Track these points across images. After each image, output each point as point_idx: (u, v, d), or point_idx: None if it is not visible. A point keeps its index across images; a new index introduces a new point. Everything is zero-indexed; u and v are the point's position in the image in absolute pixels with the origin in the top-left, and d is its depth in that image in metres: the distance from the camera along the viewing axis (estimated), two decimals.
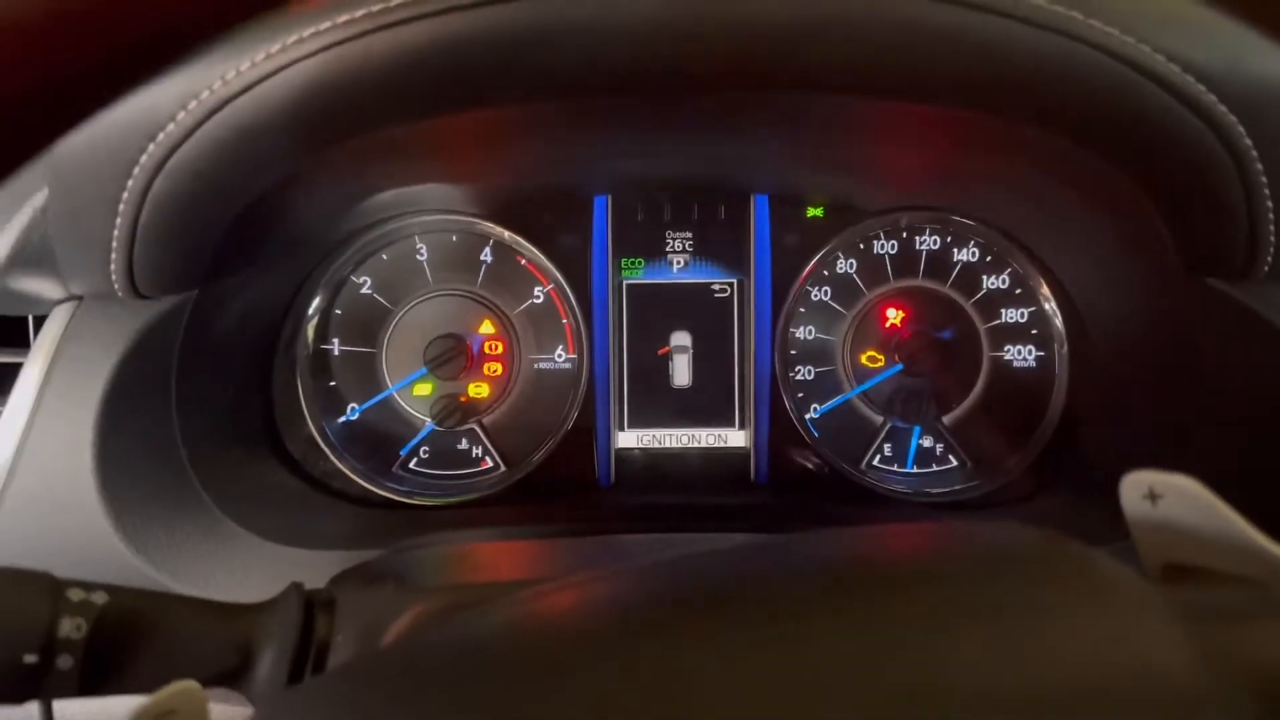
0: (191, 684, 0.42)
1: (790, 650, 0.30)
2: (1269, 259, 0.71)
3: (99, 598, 0.46)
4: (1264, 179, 0.67)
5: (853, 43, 0.63)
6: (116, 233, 0.70)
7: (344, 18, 0.61)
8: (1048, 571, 0.35)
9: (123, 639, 0.46)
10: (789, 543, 0.39)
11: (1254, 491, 0.72)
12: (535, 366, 1.09)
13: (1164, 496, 0.41)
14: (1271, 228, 0.70)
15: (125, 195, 0.68)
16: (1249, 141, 0.66)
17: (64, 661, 0.43)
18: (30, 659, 0.43)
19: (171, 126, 0.65)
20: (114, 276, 0.73)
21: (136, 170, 0.67)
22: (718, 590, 0.36)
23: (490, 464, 1.09)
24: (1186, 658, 0.29)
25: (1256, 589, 0.39)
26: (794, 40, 0.63)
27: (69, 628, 0.44)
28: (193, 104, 0.65)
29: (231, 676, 0.49)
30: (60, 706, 0.70)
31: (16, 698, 0.43)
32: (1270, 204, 0.68)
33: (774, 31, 0.63)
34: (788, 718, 0.28)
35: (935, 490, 1.07)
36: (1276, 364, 0.73)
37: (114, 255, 0.71)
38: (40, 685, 0.43)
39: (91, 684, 0.45)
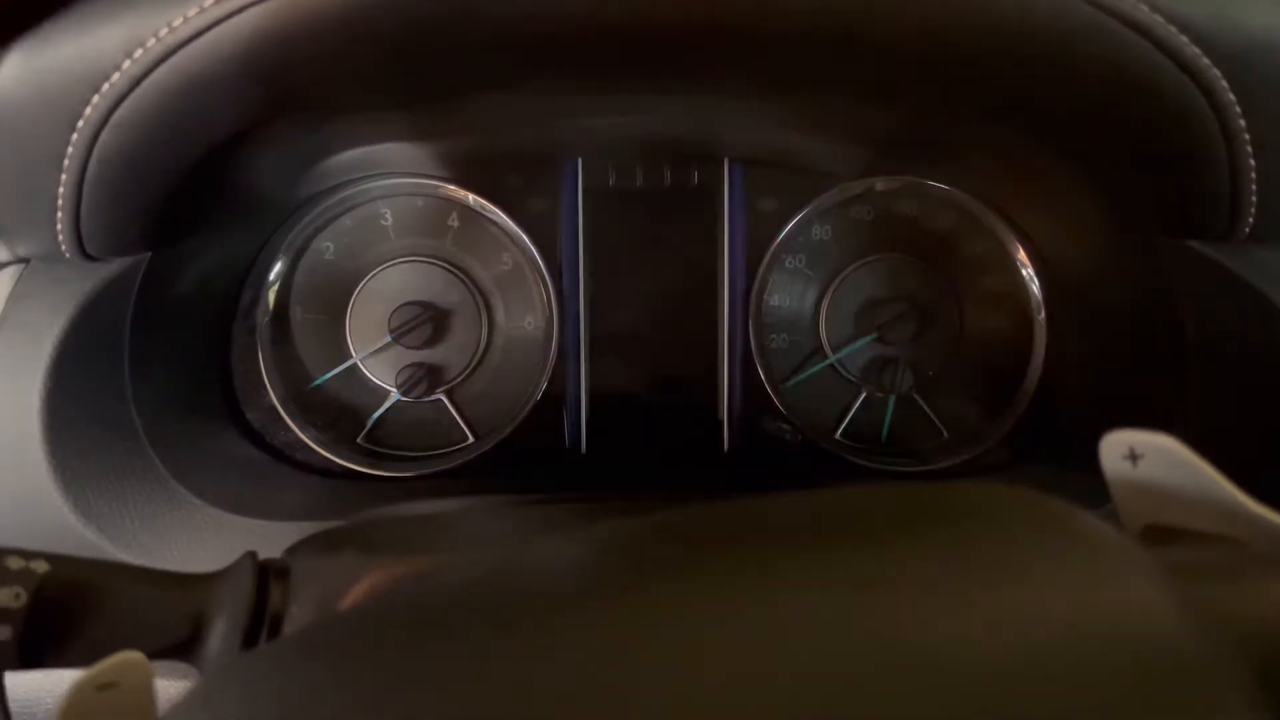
0: (135, 655, 0.41)
1: (764, 610, 0.29)
2: (1250, 219, 0.70)
3: (39, 566, 0.44)
4: (1246, 135, 0.66)
5: None
6: (62, 190, 0.68)
7: None
8: (1030, 529, 0.34)
9: (66, 609, 0.44)
10: (762, 502, 0.38)
11: (1238, 454, 0.72)
12: (504, 334, 1.07)
13: (1144, 456, 0.40)
14: (1253, 186, 0.68)
15: (70, 150, 0.66)
16: (1232, 96, 0.64)
17: (2, 632, 0.42)
18: None
19: (117, 76, 0.63)
20: (61, 237, 0.71)
21: (81, 123, 0.65)
22: (690, 547, 0.35)
23: (458, 435, 1.07)
24: (1176, 616, 0.28)
25: (1238, 548, 0.38)
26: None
27: (7, 596, 0.42)
28: (139, 52, 0.62)
29: (182, 648, 0.47)
30: (12, 680, 0.70)
31: None
32: (1253, 161, 0.67)
33: None
34: (760, 676, 0.27)
35: (910, 460, 1.06)
36: (1258, 326, 0.72)
37: (60, 214, 0.69)
38: None
39: (32, 655, 0.43)
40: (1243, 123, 0.65)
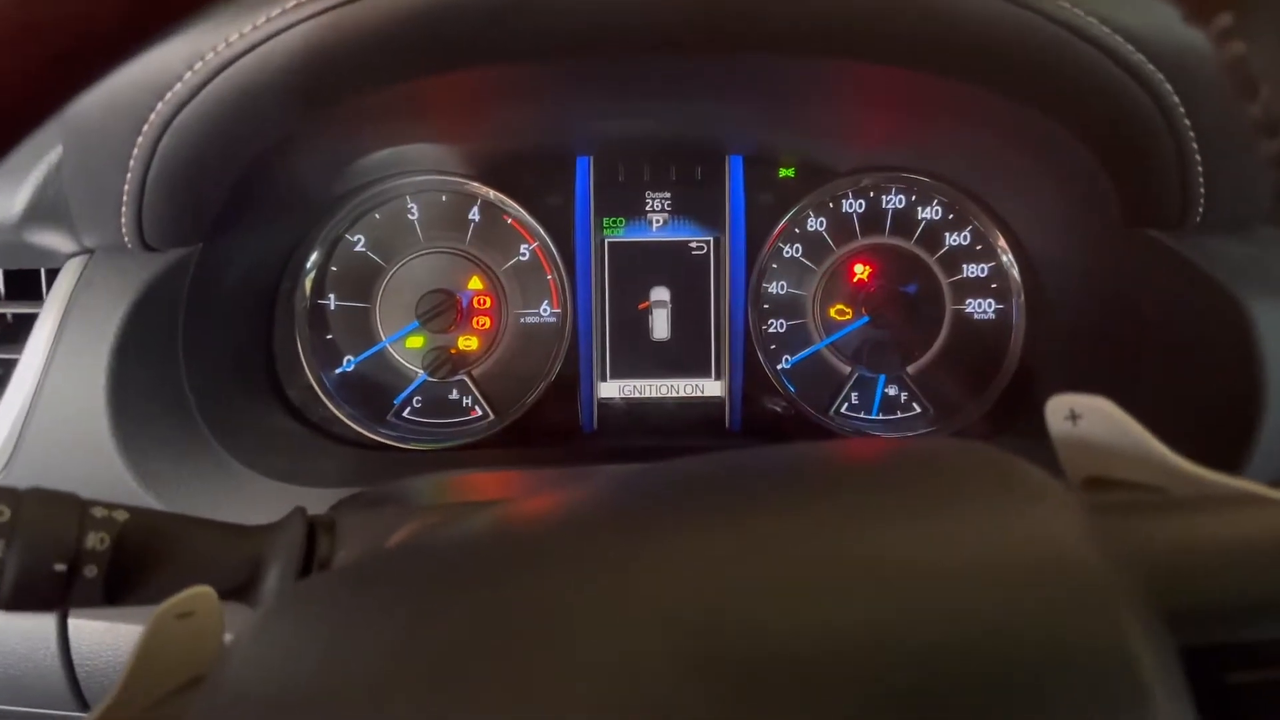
0: (207, 589, 0.45)
1: (737, 537, 0.34)
2: (1199, 209, 0.76)
3: (120, 515, 0.49)
4: (1191, 134, 0.72)
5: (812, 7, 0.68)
6: (127, 187, 0.74)
7: None
8: (970, 471, 0.38)
9: (142, 553, 0.49)
10: (747, 454, 0.42)
11: (1186, 416, 0.77)
12: (521, 320, 1.13)
13: (1083, 416, 0.44)
14: (1200, 180, 0.74)
15: (135, 151, 0.72)
16: (1176, 99, 0.71)
17: (90, 571, 0.46)
18: (60, 567, 0.45)
19: (179, 86, 0.70)
20: (124, 230, 0.77)
21: (146, 128, 0.71)
22: (680, 490, 0.39)
23: (479, 412, 1.13)
24: (1084, 538, 0.32)
25: (1159, 492, 0.43)
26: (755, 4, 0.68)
27: (94, 540, 0.47)
28: (199, 64, 0.69)
29: (241, 590, 0.52)
30: (75, 629, 0.75)
31: (47, 604, 0.46)
32: (1198, 157, 0.73)
33: None
34: (735, 586, 0.32)
35: (898, 435, 1.11)
36: (1208, 309, 0.77)
37: (124, 209, 0.75)
38: (68, 593, 0.46)
39: (114, 593, 0.48)
40: (1187, 122, 0.72)
